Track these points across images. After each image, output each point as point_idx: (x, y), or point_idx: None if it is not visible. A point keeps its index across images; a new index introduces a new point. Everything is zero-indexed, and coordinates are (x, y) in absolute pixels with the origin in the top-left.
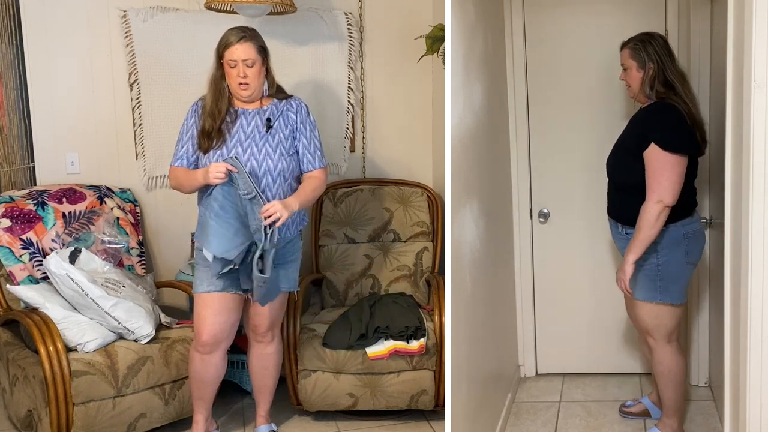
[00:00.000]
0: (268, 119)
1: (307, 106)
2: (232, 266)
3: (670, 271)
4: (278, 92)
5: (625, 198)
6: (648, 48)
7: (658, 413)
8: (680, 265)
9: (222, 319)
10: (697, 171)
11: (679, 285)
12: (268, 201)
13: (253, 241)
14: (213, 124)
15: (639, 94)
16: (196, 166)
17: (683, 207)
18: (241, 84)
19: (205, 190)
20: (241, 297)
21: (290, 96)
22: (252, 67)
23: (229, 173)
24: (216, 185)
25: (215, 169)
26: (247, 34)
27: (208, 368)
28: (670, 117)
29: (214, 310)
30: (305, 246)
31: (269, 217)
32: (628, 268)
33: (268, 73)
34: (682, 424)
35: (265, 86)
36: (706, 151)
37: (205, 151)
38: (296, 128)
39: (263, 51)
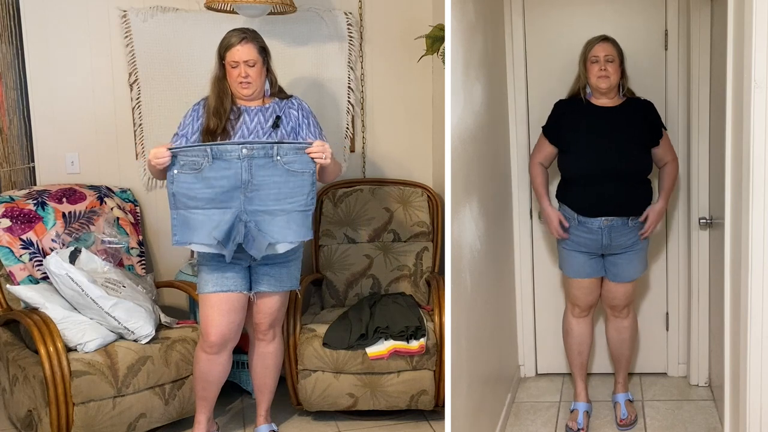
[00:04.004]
0: (278, 117)
1: (307, 104)
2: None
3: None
4: (279, 92)
5: (638, 189)
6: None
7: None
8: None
9: (229, 320)
10: None
11: None
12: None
13: (238, 216)
14: (218, 123)
15: (612, 90)
16: None
17: None
18: (242, 83)
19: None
20: (245, 296)
21: (290, 96)
22: (253, 66)
23: (179, 160)
24: (175, 182)
25: (154, 155)
26: (248, 35)
27: (215, 368)
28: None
29: (221, 311)
30: (305, 246)
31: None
32: (663, 211)
33: (269, 73)
34: None
35: (267, 86)
36: None
37: None
38: (300, 124)
39: (264, 51)
